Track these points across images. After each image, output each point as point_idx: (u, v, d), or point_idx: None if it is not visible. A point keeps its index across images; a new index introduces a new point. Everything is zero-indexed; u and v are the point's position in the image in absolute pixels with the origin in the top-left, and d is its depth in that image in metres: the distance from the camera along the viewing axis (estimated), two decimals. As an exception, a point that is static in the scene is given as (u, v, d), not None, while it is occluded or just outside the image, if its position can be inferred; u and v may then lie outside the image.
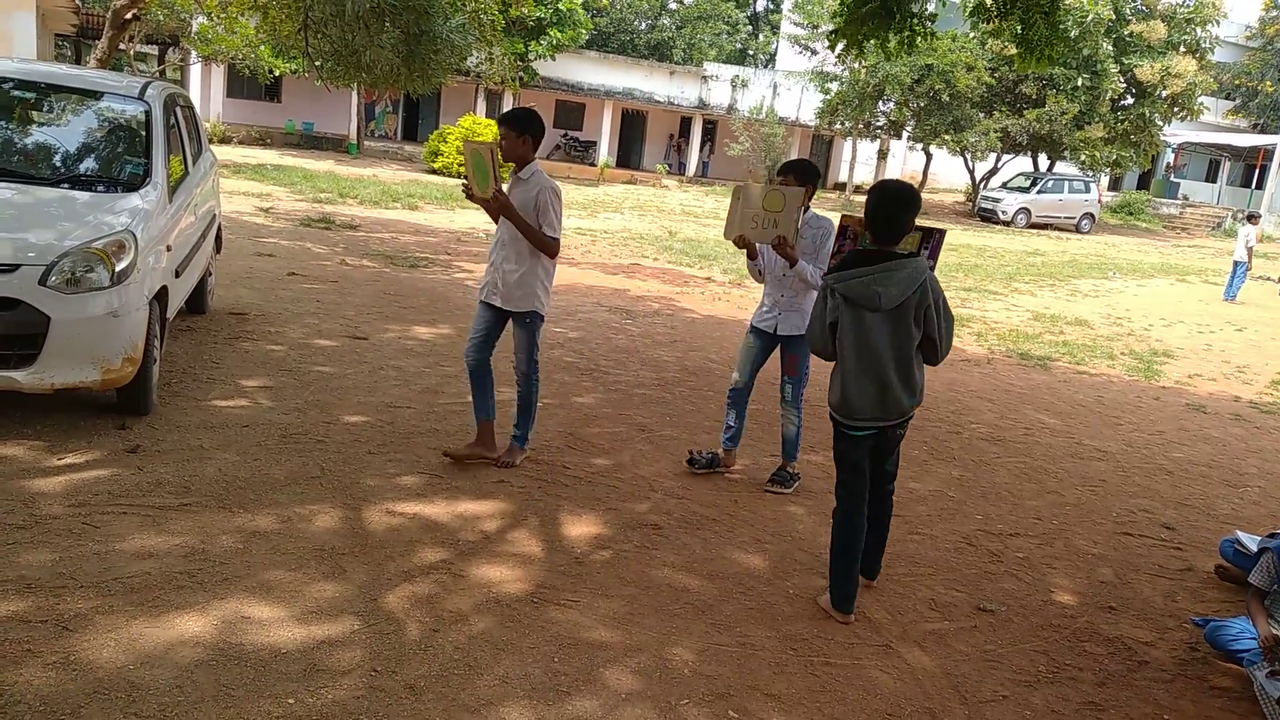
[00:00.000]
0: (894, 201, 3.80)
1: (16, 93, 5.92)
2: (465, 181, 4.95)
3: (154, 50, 31.11)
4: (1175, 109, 30.73)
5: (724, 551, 4.50)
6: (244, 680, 3.03)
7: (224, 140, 26.47)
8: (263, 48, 22.38)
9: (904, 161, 39.64)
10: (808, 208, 5.06)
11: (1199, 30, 30.86)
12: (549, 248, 4.94)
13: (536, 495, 4.85)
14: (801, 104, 35.49)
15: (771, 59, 46.56)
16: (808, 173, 5.07)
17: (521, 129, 4.91)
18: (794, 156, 33.68)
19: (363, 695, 3.03)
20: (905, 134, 32.55)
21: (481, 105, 32.07)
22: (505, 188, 4.91)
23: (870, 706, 3.37)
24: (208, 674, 3.03)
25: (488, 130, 26.17)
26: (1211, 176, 44.45)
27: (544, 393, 6.70)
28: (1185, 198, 40.41)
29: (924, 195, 32.92)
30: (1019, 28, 7.44)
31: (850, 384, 3.81)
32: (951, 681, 3.61)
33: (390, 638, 3.37)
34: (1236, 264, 17.59)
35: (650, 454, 5.71)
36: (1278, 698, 3.55)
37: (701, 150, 36.99)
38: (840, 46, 8.25)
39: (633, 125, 37.83)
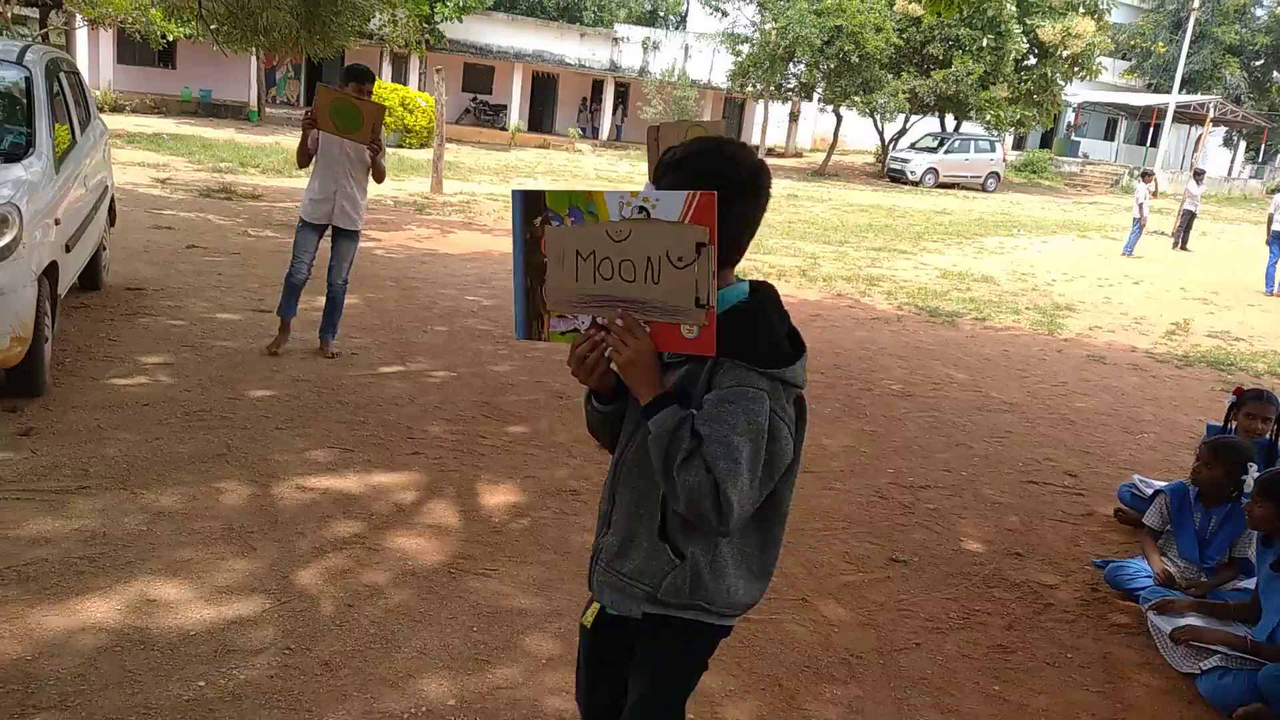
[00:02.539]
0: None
1: (-119, 58, 5.57)
2: (311, 113, 5.83)
3: (34, 13, 29.54)
4: (1075, 69, 31.51)
5: (642, 514, 4.51)
6: (150, 664, 2.94)
7: (116, 109, 25.36)
8: (154, 10, 21.41)
9: (815, 124, 39.98)
10: None
11: (1096, -9, 31.67)
12: (382, 177, 6.24)
13: (452, 465, 4.80)
14: (713, 66, 35.45)
15: (682, 20, 46.36)
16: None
17: (373, 80, 6.09)
18: (706, 118, 33.76)
19: (276, 674, 2.96)
20: (816, 96, 32.76)
21: (387, 69, 31.28)
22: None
23: (788, 659, 3.43)
24: (112, 660, 2.94)
25: (393, 96, 25.57)
26: (1110, 135, 45.88)
27: (457, 362, 6.63)
28: (1085, 156, 41.64)
29: (835, 157, 33.32)
30: None
31: (775, 551, 1.99)
32: (866, 632, 3.69)
33: (304, 614, 3.31)
34: (1134, 220, 18.21)
35: (568, 420, 5.69)
36: (1169, 632, 3.72)
37: (614, 114, 36.74)
38: None
39: (544, 88, 37.36)
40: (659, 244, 1.72)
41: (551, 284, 1.85)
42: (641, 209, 1.73)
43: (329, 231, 6.27)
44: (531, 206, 1.85)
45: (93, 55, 27.27)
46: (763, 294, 1.89)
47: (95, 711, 2.71)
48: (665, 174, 1.84)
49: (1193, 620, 3.76)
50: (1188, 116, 38.72)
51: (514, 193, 1.86)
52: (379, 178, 6.24)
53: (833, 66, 29.80)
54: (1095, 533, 5.01)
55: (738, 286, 1.88)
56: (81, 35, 26.80)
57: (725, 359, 1.77)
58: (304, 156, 6.11)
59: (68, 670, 2.87)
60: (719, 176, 1.76)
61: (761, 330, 1.82)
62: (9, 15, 19.60)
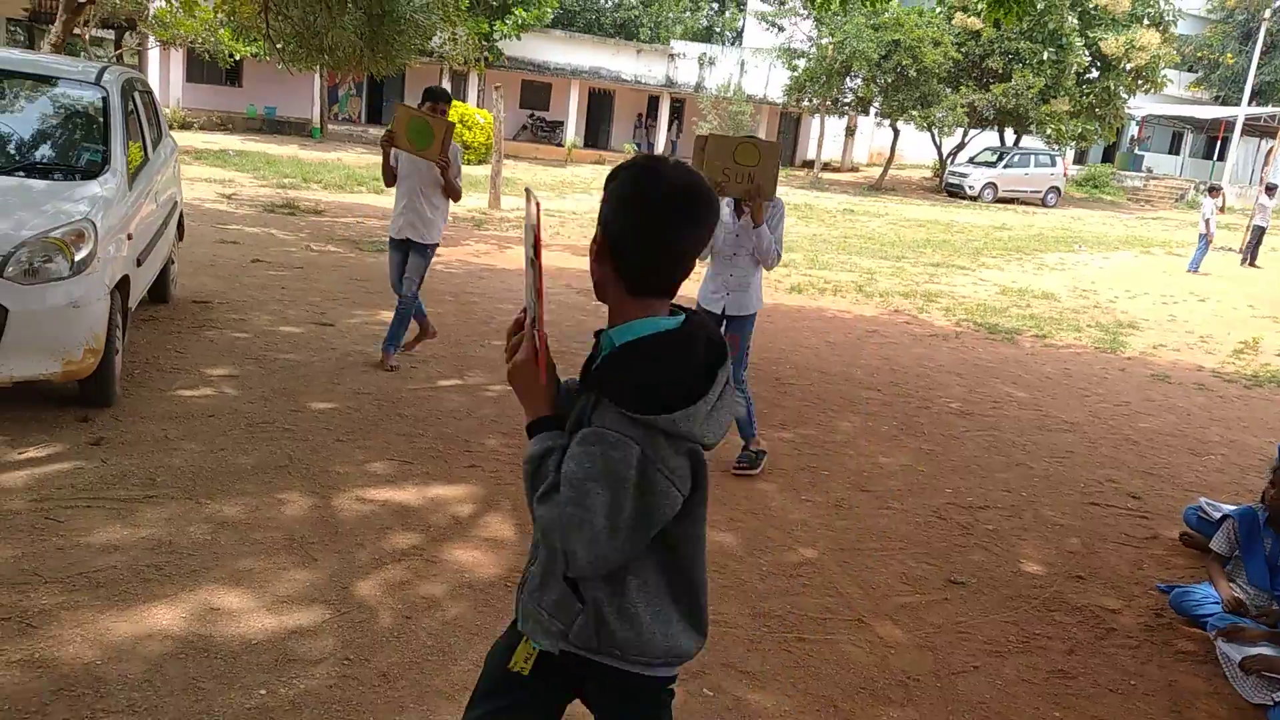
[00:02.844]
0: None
1: (-33, 80, 5.79)
2: (390, 131, 6.05)
3: (110, 35, 30.49)
4: (1139, 82, 30.95)
5: (697, 531, 4.50)
6: (214, 672, 3.00)
7: (184, 126, 26.05)
8: (223, 31, 22.00)
9: (871, 138, 39.72)
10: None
11: (1162, 3, 31.07)
12: (458, 195, 6.41)
13: (508, 479, 4.84)
14: (769, 81, 35.41)
15: (738, 36, 46.44)
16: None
17: (450, 103, 6.37)
18: (761, 134, 33.70)
19: (335, 684, 3.01)
20: (873, 110, 32.58)
21: (447, 86, 31.72)
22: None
23: (844, 680, 3.40)
24: (177, 667, 3.00)
25: (453, 112, 25.92)
26: (1175, 149, 44.88)
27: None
28: (1149, 170, 40.79)
29: (892, 171, 33.03)
30: None
31: (695, 599, 1.86)
32: (924, 654, 3.64)
33: (363, 625, 3.36)
34: (1200, 236, 17.80)
35: (622, 435, 5.70)
36: (1238, 660, 3.62)
37: (670, 129, 36.87)
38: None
39: (600, 105, 37.61)
40: (529, 252, 1.67)
41: (529, 292, 1.79)
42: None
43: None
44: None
45: (163, 74, 28.08)
46: (675, 332, 1.68)
47: (161, 717, 2.77)
48: (605, 186, 1.74)
49: (1265, 650, 3.65)
50: (1258, 129, 37.75)
51: (528, 189, 1.79)
52: (453, 195, 6.37)
53: (890, 81, 29.62)
54: (1160, 557, 4.89)
55: (658, 320, 1.70)
56: (153, 55, 27.62)
57: (604, 397, 1.64)
58: (389, 175, 6.36)
59: (135, 676, 2.94)
60: (640, 193, 1.67)
61: (639, 370, 1.63)
62: (87, 37, 20.27)
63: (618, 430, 1.60)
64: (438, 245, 6.54)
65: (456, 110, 26.22)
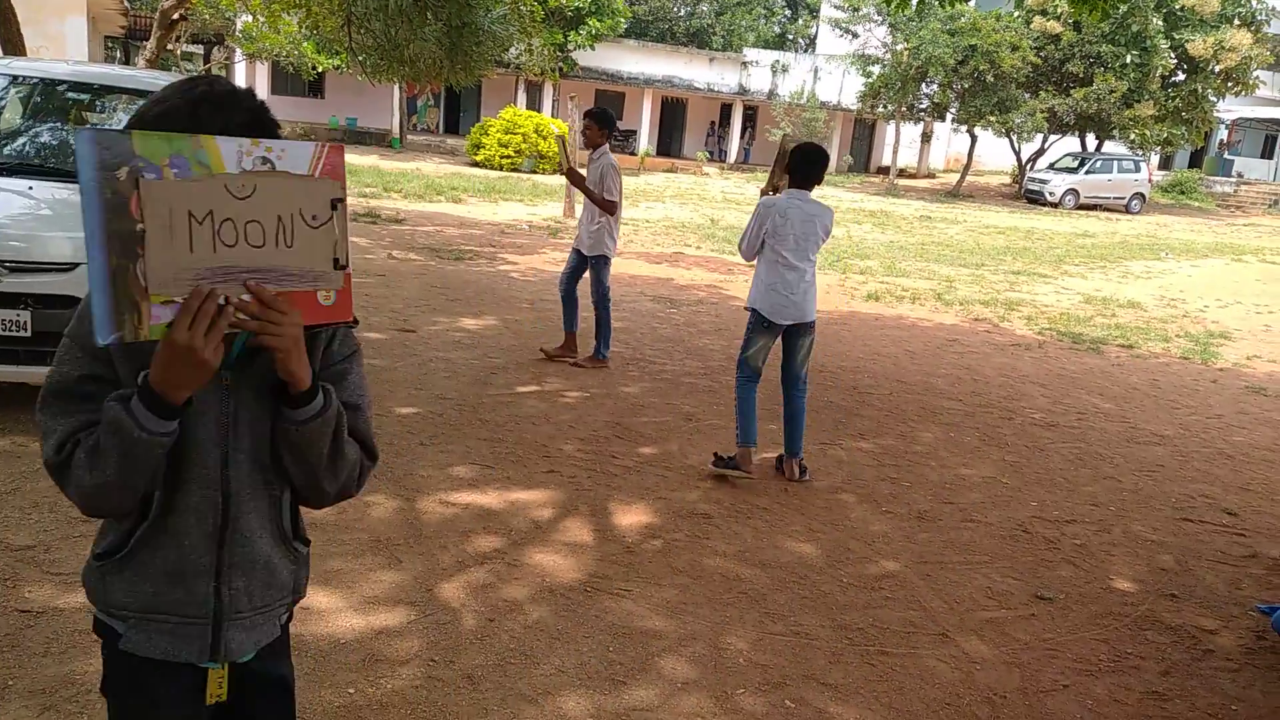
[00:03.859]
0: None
1: (71, 94, 6.04)
2: (559, 159, 7.09)
3: (199, 50, 31.56)
4: (1229, 84, 29.95)
5: (775, 540, 4.48)
6: (304, 670, 3.07)
7: (269, 137, 26.79)
8: (306, 44, 22.62)
9: (948, 144, 39.13)
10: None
11: (1254, 2, 30.04)
12: (608, 208, 6.82)
13: (586, 484, 4.86)
14: (843, 88, 35.13)
15: (811, 43, 46.18)
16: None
17: (601, 123, 6.99)
18: (835, 141, 33.35)
19: (421, 685, 3.05)
20: (949, 116, 32.10)
21: (522, 97, 32.13)
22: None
23: (928, 696, 3.34)
24: (270, 664, 3.08)
25: (528, 122, 26.27)
26: (1268, 152, 43.32)
27: (590, 383, 6.73)
28: (1240, 175, 39.43)
29: (970, 178, 32.48)
30: None
31: None
32: (1010, 670, 3.56)
33: (447, 627, 3.40)
34: (1295, 242, 17.16)
35: (698, 443, 5.70)
36: (1350, 687, 3.47)
37: (742, 137, 36.78)
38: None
39: (672, 113, 37.73)
40: (290, 201, 1.45)
41: (157, 258, 1.36)
42: (265, 160, 1.42)
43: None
44: (111, 153, 1.32)
45: (249, 86, 28.93)
46: None
47: (255, 712, 2.84)
48: None
49: (1373, 675, 3.49)
50: (1357, 132, 36.28)
51: (82, 134, 1.32)
52: (595, 202, 6.83)
53: (967, 86, 29.20)
54: (1260, 576, 4.71)
55: None
56: (240, 68, 28.51)
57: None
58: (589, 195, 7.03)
59: (230, 671, 3.02)
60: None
61: None
62: (178, 53, 21.00)
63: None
64: (604, 258, 6.97)
65: (532, 120, 26.58)
